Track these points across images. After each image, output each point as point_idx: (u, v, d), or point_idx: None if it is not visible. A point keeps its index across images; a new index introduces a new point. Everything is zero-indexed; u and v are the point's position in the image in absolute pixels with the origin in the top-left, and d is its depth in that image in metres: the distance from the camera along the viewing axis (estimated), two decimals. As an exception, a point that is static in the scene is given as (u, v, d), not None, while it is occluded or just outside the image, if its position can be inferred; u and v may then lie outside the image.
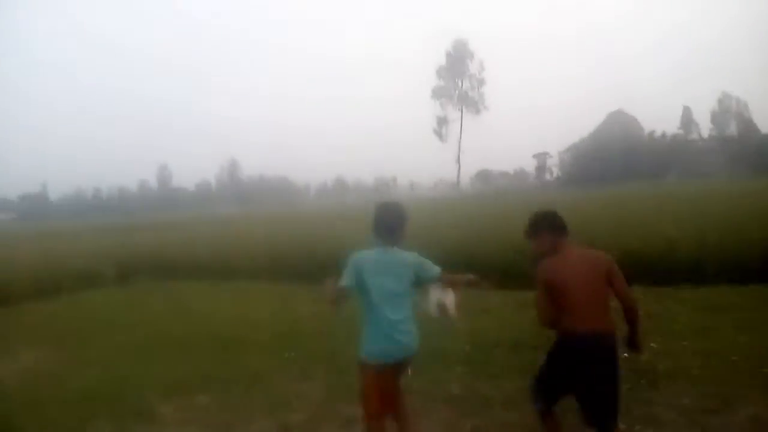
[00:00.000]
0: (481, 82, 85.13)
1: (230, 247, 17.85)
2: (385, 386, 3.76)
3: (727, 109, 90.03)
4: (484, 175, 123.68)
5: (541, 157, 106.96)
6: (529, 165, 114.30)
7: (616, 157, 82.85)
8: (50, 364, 7.77)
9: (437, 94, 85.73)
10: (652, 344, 6.43)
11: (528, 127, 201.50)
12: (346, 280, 3.61)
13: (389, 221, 3.85)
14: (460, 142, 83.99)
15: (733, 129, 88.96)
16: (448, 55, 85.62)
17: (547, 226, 3.84)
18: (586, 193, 46.97)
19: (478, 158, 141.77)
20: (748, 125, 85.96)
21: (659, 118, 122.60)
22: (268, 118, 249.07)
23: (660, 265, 10.67)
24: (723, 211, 14.44)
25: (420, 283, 3.88)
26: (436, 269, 3.92)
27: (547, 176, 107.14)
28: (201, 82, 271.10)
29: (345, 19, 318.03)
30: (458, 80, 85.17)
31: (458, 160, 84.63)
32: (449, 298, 3.96)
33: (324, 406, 5.43)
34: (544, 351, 6.29)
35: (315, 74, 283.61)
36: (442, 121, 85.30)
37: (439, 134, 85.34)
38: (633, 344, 3.87)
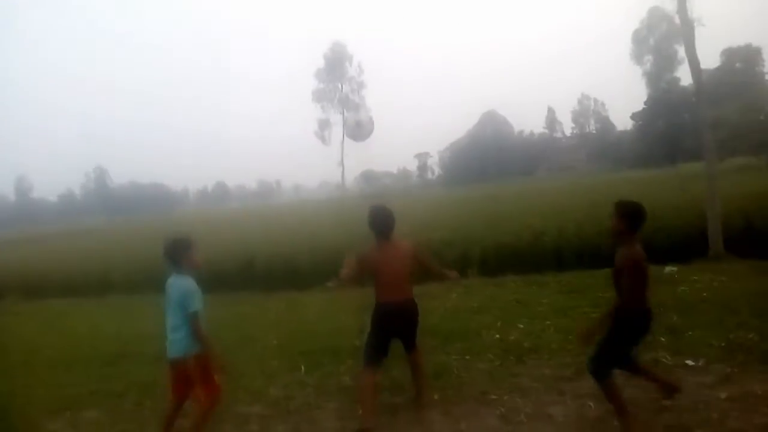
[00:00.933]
0: (361, 85, 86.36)
1: (101, 260, 17.03)
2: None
3: (586, 109, 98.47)
4: (368, 175, 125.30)
5: (423, 157, 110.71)
6: (412, 164, 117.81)
7: (491, 154, 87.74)
8: None
9: (318, 97, 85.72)
10: (519, 325, 7.21)
11: (409, 127, 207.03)
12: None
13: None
14: (342, 144, 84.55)
15: (592, 127, 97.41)
16: (326, 57, 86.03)
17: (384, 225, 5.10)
18: (465, 190, 49.65)
19: (361, 159, 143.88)
20: (605, 123, 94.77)
21: (527, 118, 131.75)
22: (137, 121, 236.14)
23: (528, 254, 11.74)
24: (582, 203, 16.07)
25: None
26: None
27: (429, 175, 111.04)
28: (66, 81, 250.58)
29: (226, 19, 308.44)
30: (338, 83, 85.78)
31: (341, 162, 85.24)
32: None
33: (218, 408, 5.53)
34: (429, 337, 6.90)
35: (192, 76, 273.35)
36: (324, 124, 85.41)
37: (321, 137, 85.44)
38: (442, 276, 5.40)
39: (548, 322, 7.21)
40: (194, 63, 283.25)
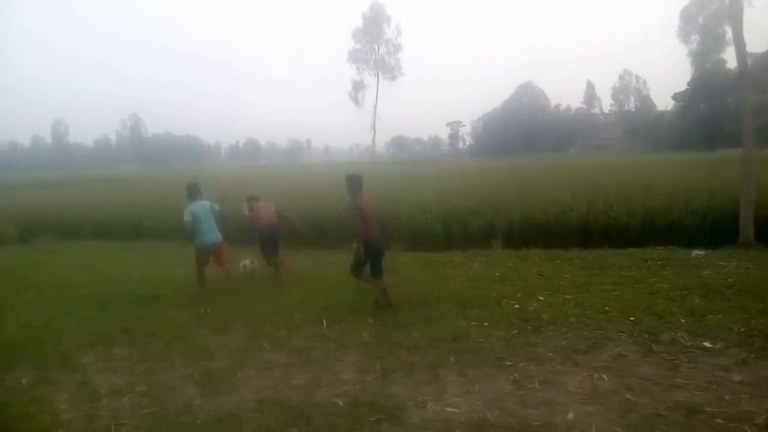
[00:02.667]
0: (398, 48, 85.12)
1: (134, 206, 17.42)
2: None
3: (627, 86, 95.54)
4: (399, 141, 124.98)
5: (455, 126, 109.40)
6: (443, 132, 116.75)
7: (524, 127, 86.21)
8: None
9: (353, 57, 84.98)
10: (539, 297, 7.28)
11: (443, 95, 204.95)
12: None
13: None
14: (375, 108, 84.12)
15: (632, 105, 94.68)
16: (365, 17, 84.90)
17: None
18: (495, 161, 49.13)
19: (393, 124, 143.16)
20: (645, 102, 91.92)
21: (565, 92, 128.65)
22: (174, 78, 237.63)
23: (553, 229, 11.72)
24: (614, 181, 15.83)
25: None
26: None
27: (460, 144, 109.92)
28: (104, 35, 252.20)
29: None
30: (375, 45, 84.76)
31: (373, 126, 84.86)
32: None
33: (243, 355, 5.78)
34: (449, 302, 7.03)
35: (227, 33, 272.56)
36: (358, 86, 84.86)
37: (355, 99, 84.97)
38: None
39: (568, 296, 7.27)
40: (231, 22, 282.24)
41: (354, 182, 7.27)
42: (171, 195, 16.46)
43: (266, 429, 4.17)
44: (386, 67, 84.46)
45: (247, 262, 9.21)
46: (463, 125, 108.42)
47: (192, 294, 8.32)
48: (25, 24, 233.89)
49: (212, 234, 8.38)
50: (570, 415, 4.14)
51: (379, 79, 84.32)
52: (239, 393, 4.85)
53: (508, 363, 5.19)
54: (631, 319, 6.25)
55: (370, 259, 7.23)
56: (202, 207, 8.32)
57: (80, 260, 11.94)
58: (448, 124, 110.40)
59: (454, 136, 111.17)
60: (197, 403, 4.67)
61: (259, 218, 8.97)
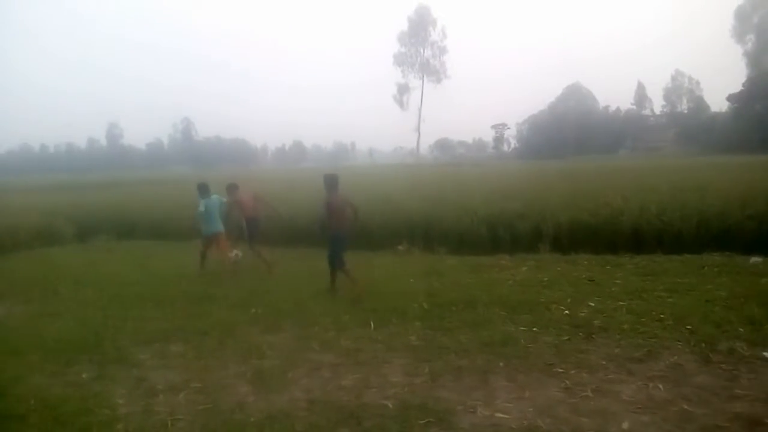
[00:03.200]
0: (443, 50, 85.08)
1: (187, 207, 17.83)
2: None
3: (679, 87, 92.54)
4: (443, 144, 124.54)
5: (500, 128, 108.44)
6: (488, 135, 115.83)
7: (571, 129, 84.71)
8: (21, 316, 7.96)
9: (399, 60, 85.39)
10: (590, 303, 7.14)
11: (488, 97, 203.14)
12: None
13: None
14: (420, 110, 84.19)
15: (684, 106, 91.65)
16: (410, 20, 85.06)
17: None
18: (542, 164, 48.38)
19: (437, 127, 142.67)
20: (698, 103, 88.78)
21: (614, 93, 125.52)
22: (224, 79, 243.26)
23: (604, 233, 11.45)
24: (666, 185, 15.37)
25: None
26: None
27: (505, 147, 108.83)
28: (157, 45, 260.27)
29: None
30: (420, 47, 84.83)
31: (418, 128, 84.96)
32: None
33: (292, 355, 5.88)
34: (497, 307, 6.98)
35: (275, 35, 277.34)
36: (403, 89, 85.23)
37: (400, 102, 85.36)
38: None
39: (621, 303, 7.10)
40: (278, 31, 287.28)
41: (330, 181, 8.27)
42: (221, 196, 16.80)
43: (317, 428, 4.23)
44: (431, 70, 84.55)
45: (235, 252, 10.37)
46: (508, 128, 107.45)
47: (242, 294, 8.51)
48: (82, 32, 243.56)
49: (216, 225, 9.97)
50: (625, 425, 4.06)
51: (424, 81, 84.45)
52: (290, 392, 4.94)
53: (559, 370, 5.11)
54: (688, 327, 6.06)
55: (335, 249, 8.28)
56: (212, 202, 9.95)
57: (136, 259, 12.35)
58: (493, 127, 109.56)
59: (498, 139, 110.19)
60: (250, 401, 4.77)
61: (245, 208, 10.32)
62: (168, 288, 9.07)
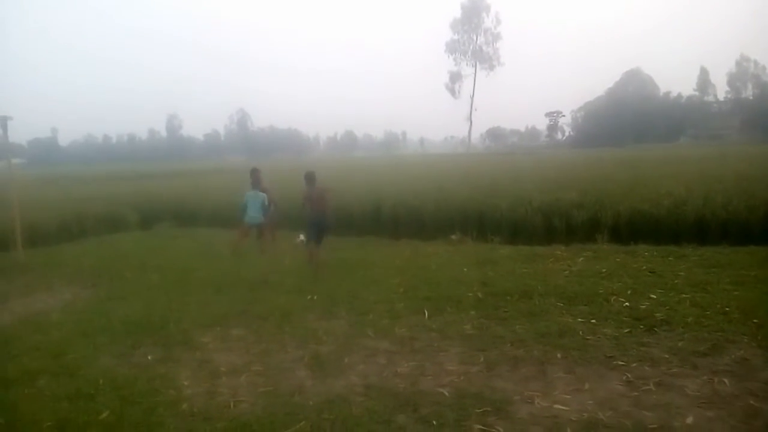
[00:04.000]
0: (497, 37, 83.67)
1: (243, 196, 18.29)
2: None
3: (744, 72, 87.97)
4: (495, 133, 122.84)
5: (554, 116, 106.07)
6: (541, 123, 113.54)
7: (630, 117, 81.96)
8: (90, 300, 8.37)
9: (451, 48, 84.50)
10: (652, 295, 6.93)
11: (542, 84, 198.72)
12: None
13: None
14: (472, 99, 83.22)
15: (749, 92, 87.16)
16: (463, 7, 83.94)
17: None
18: (598, 153, 47.15)
19: (489, 115, 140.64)
20: (764, 89, 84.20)
21: (676, 79, 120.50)
22: (278, 70, 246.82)
23: (665, 224, 11.08)
24: (732, 174, 14.75)
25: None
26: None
27: (559, 135, 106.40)
28: (213, 43, 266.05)
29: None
30: (473, 34, 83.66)
31: (470, 117, 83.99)
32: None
33: (348, 341, 5.97)
34: (553, 297, 6.89)
35: (327, 26, 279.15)
36: (455, 77, 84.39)
37: (452, 90, 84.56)
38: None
39: (684, 295, 6.87)
40: (329, 16, 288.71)
41: (309, 177, 9.58)
42: (276, 185, 17.10)
43: (374, 413, 4.29)
44: (484, 57, 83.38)
45: (300, 238, 10.93)
46: (563, 115, 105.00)
47: (299, 281, 8.68)
48: (142, 25, 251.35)
49: (254, 215, 10.56)
50: (689, 420, 3.95)
51: (477, 69, 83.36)
52: (347, 377, 5.03)
53: (620, 363, 5.00)
54: (755, 321, 5.82)
55: (315, 234, 9.44)
56: (254, 195, 10.62)
57: (197, 246, 12.76)
58: (547, 115, 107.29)
59: (552, 127, 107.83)
60: (308, 385, 4.89)
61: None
62: (228, 274, 9.34)
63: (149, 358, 5.77)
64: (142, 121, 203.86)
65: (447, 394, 4.56)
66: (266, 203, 10.57)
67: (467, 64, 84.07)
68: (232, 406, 4.58)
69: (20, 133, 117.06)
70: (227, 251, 10.86)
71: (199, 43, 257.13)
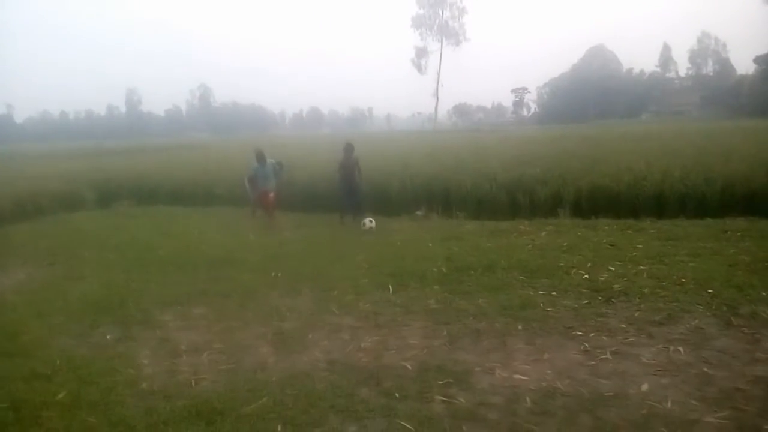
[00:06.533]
0: (462, 12, 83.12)
1: (206, 173, 18.01)
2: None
3: (705, 49, 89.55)
4: (461, 109, 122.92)
5: (519, 92, 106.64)
6: (507, 100, 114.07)
7: (594, 93, 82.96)
8: (46, 280, 8.14)
9: (417, 23, 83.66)
10: (610, 267, 7.08)
11: (508, 60, 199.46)
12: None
13: (264, 155, 12.24)
14: (439, 75, 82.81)
15: (710, 69, 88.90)
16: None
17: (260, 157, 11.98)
18: (563, 129, 47.66)
19: (456, 92, 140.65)
20: (725, 66, 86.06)
21: (638, 55, 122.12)
22: (240, 45, 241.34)
23: (625, 198, 11.30)
24: (691, 149, 15.08)
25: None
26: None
27: (525, 112, 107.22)
28: (172, 16, 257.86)
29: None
30: (438, 9, 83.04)
31: (436, 93, 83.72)
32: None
33: (312, 317, 5.95)
34: (515, 271, 6.97)
35: (291, 1, 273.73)
36: (421, 52, 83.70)
37: (418, 66, 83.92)
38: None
39: (642, 267, 7.04)
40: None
41: (347, 148, 11.47)
42: (240, 162, 16.90)
43: (337, 388, 4.29)
44: (450, 32, 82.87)
45: (367, 220, 10.81)
46: (528, 92, 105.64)
47: (262, 258, 8.59)
48: (103, 10, 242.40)
49: (264, 183, 12.01)
50: (644, 387, 4.05)
51: (443, 45, 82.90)
52: (310, 353, 5.01)
53: (578, 333, 5.11)
54: (709, 291, 5.99)
55: (351, 204, 11.59)
56: (262, 166, 11.95)
57: (157, 224, 12.52)
58: (513, 91, 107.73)
59: (518, 104, 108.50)
60: (271, 362, 4.86)
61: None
62: (189, 252, 9.19)
63: (108, 337, 5.67)
64: (100, 97, 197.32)
65: (410, 367, 4.58)
66: (278, 168, 12.36)
67: (433, 39, 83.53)
68: (193, 384, 4.52)
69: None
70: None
71: (159, 17, 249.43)
